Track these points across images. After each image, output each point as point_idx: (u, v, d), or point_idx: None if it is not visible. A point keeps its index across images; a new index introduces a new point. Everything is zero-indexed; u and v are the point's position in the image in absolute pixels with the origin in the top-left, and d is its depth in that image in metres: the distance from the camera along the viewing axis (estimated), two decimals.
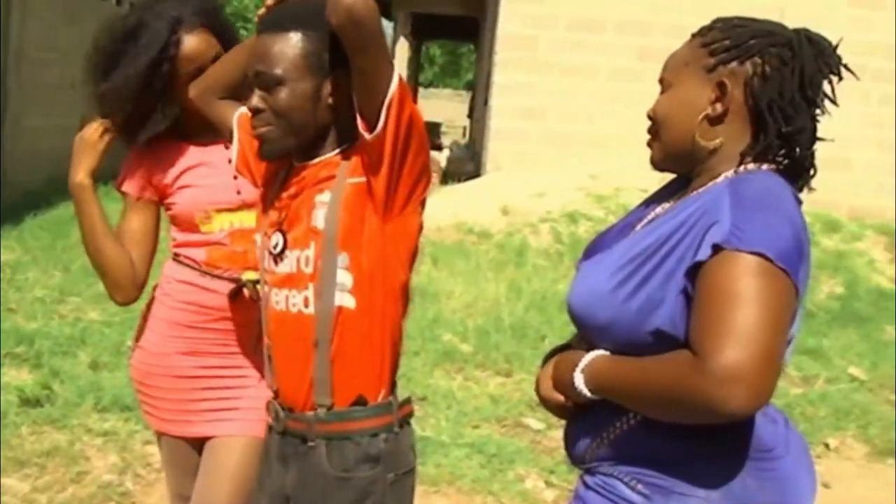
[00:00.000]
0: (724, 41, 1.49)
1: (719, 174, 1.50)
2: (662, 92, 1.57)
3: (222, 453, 2.20)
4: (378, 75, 1.62)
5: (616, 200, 8.50)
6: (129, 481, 3.53)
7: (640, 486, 1.48)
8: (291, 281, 1.78)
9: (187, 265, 2.22)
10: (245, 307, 2.17)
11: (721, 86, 1.48)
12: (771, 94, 1.46)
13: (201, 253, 2.21)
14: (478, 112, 14.49)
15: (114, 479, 3.53)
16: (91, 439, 3.82)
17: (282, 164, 1.85)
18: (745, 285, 1.33)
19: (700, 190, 1.51)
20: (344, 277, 1.72)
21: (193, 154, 2.22)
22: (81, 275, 5.82)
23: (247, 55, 1.88)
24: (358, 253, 1.72)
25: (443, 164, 12.52)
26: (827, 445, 4.46)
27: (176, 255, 2.26)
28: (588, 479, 1.56)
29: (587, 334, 1.55)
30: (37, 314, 5.33)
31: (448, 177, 11.47)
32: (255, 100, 1.75)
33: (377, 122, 1.63)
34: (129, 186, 2.24)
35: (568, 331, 1.65)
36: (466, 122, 20.64)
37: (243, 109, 1.93)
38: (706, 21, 1.57)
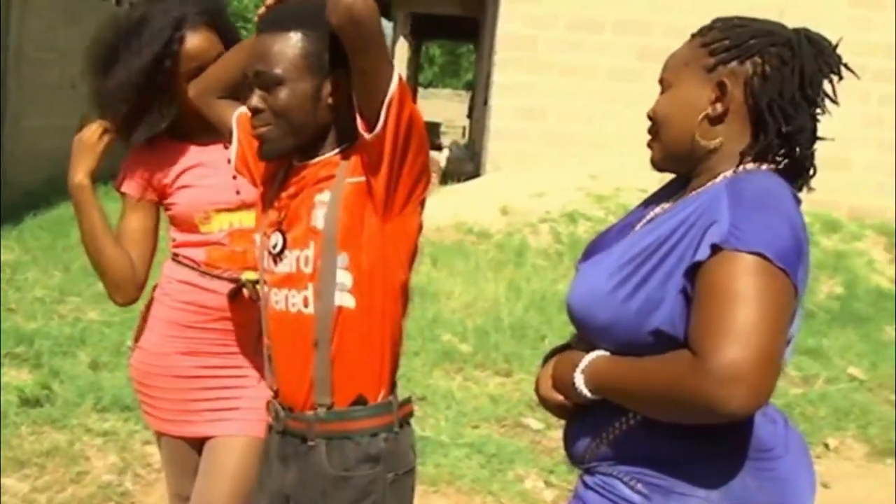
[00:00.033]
0: (724, 41, 1.49)
1: (718, 174, 1.50)
2: (662, 92, 1.57)
3: (222, 453, 2.19)
4: (378, 75, 1.62)
5: (616, 200, 8.50)
6: (129, 481, 3.53)
7: (639, 486, 1.48)
8: (291, 281, 1.78)
9: (186, 265, 2.22)
10: (244, 307, 2.17)
11: (721, 85, 1.48)
12: (771, 93, 1.46)
13: (200, 253, 2.21)
14: (477, 112, 14.49)
15: (113, 479, 3.53)
16: (91, 439, 3.82)
17: (281, 164, 1.85)
18: (743, 285, 1.33)
19: (699, 190, 1.51)
20: (344, 277, 1.72)
21: (192, 154, 2.22)
22: (81, 275, 5.82)
23: (246, 55, 1.88)
24: (357, 253, 1.72)
25: (442, 164, 12.52)
26: (826, 445, 4.46)
27: (175, 255, 2.25)
28: (587, 478, 1.56)
29: (586, 335, 1.55)
30: (36, 314, 5.33)
31: (447, 177, 11.47)
32: (255, 100, 1.75)
33: (377, 121, 1.63)
34: (129, 187, 2.23)
35: (567, 331, 1.65)
36: (466, 122, 20.63)
37: (242, 109, 1.93)
38: (706, 21, 1.57)
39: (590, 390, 1.50)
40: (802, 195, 1.53)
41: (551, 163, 9.47)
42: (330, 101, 1.74)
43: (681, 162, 1.56)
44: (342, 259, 1.72)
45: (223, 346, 2.23)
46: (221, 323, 2.21)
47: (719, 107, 1.49)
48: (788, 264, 1.35)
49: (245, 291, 2.17)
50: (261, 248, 1.86)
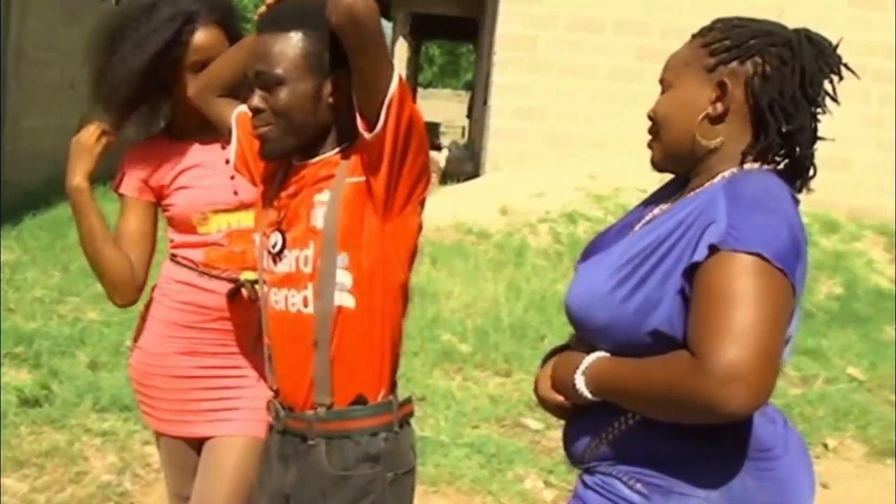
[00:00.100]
0: (725, 41, 1.49)
1: (717, 174, 1.50)
2: (663, 92, 1.57)
3: (221, 453, 2.19)
4: (378, 75, 1.62)
5: (615, 200, 8.50)
6: (128, 481, 3.53)
7: (639, 486, 1.48)
8: (290, 281, 1.78)
9: (185, 266, 2.22)
10: (243, 307, 2.17)
11: (721, 85, 1.48)
12: (771, 93, 1.46)
13: (199, 254, 2.21)
14: (477, 112, 14.49)
15: (112, 479, 3.53)
16: (90, 439, 3.82)
17: (281, 163, 1.85)
18: (742, 285, 1.33)
19: (697, 190, 1.51)
20: (343, 277, 1.72)
21: (190, 154, 2.22)
22: (80, 275, 5.81)
23: (246, 54, 1.88)
24: (357, 253, 1.72)
25: (442, 164, 12.51)
26: (826, 446, 4.46)
27: (173, 255, 2.25)
28: (587, 478, 1.56)
29: (585, 335, 1.55)
30: (36, 314, 5.33)
31: (447, 177, 11.47)
32: (256, 99, 1.75)
33: (377, 121, 1.63)
34: (127, 188, 2.23)
35: (567, 331, 1.65)
36: (465, 123, 20.63)
37: (242, 108, 1.93)
38: (706, 21, 1.57)
39: (591, 392, 1.50)
40: (802, 195, 1.53)
41: (551, 163, 9.47)
42: (330, 100, 1.74)
43: (681, 162, 1.56)
44: (342, 259, 1.72)
45: (222, 346, 2.22)
46: (220, 323, 2.21)
47: (720, 106, 1.49)
48: (786, 264, 1.35)
49: (244, 291, 2.17)
50: (260, 248, 1.86)
